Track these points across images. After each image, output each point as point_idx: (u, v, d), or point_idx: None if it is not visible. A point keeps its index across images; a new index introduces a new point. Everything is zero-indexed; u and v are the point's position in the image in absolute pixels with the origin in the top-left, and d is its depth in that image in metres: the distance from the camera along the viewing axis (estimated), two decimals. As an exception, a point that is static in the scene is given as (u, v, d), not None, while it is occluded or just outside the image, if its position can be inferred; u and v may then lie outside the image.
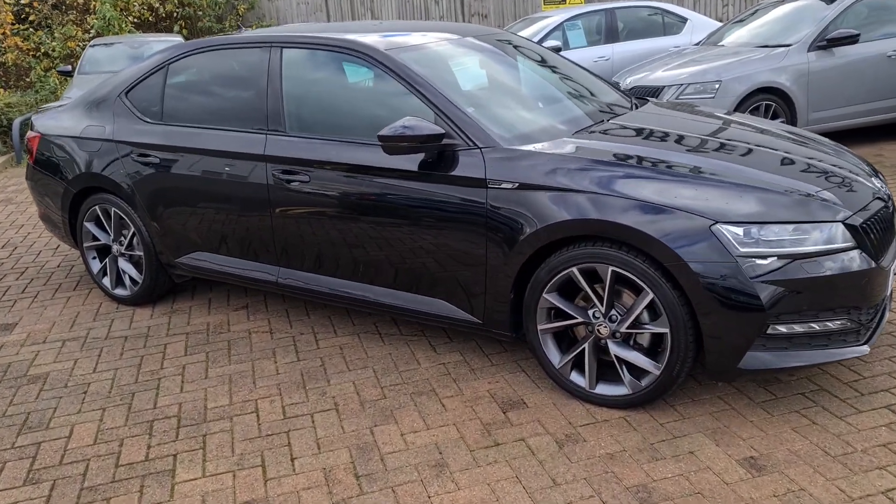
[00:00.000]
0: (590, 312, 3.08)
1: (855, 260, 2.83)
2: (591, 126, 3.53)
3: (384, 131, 3.14)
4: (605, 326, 3.04)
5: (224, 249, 4.07)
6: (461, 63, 3.77)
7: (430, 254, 3.34)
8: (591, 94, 4.09)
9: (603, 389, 3.11)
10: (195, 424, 3.20)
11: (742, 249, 2.73)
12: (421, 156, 3.28)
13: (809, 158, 3.27)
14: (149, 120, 4.21)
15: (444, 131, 3.16)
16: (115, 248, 4.55)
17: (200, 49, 4.11)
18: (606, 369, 3.14)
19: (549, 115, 3.63)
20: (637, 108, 4.07)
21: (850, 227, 2.84)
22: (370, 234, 3.49)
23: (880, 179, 3.39)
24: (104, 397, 3.47)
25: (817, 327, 2.85)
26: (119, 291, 4.61)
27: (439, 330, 3.95)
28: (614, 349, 3.05)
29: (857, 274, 2.81)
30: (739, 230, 2.75)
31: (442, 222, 3.25)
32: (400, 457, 2.87)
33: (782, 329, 2.81)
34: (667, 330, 2.88)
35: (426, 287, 3.44)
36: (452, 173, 3.20)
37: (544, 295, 3.11)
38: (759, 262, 2.73)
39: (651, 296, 2.87)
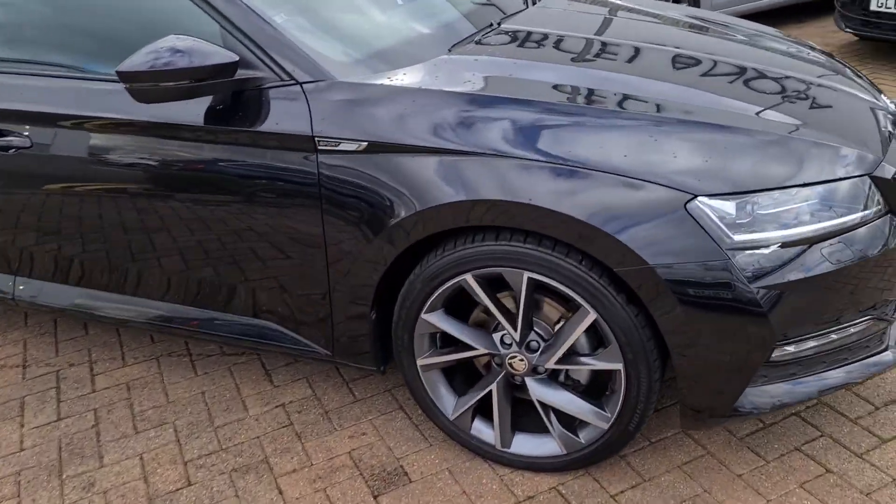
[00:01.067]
0: (496, 338, 1.98)
1: (888, 230, 1.84)
2: (476, 35, 2.31)
3: (127, 63, 1.81)
4: (521, 359, 1.94)
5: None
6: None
7: (243, 255, 2.10)
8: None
9: (522, 447, 2.05)
10: None
11: (737, 237, 1.66)
12: (208, 101, 1.98)
13: (776, 68, 2.20)
14: None
15: (237, 57, 1.87)
16: None
17: None
18: (527, 415, 2.08)
19: (410, 21, 2.36)
20: (535, 1, 2.87)
21: (877, 182, 1.82)
22: (140, 227, 2.19)
23: (879, 92, 2.38)
24: None
25: (835, 337, 1.86)
26: None
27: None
28: (536, 391, 1.96)
29: (892, 251, 1.83)
30: (731, 205, 1.67)
31: (255, 208, 2.00)
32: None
33: (790, 349, 1.81)
34: (619, 366, 1.82)
35: (241, 304, 2.22)
36: (259, 128, 1.93)
37: (423, 316, 1.96)
38: (760, 253, 1.68)
39: (593, 316, 1.78)
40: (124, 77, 1.81)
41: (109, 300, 2.40)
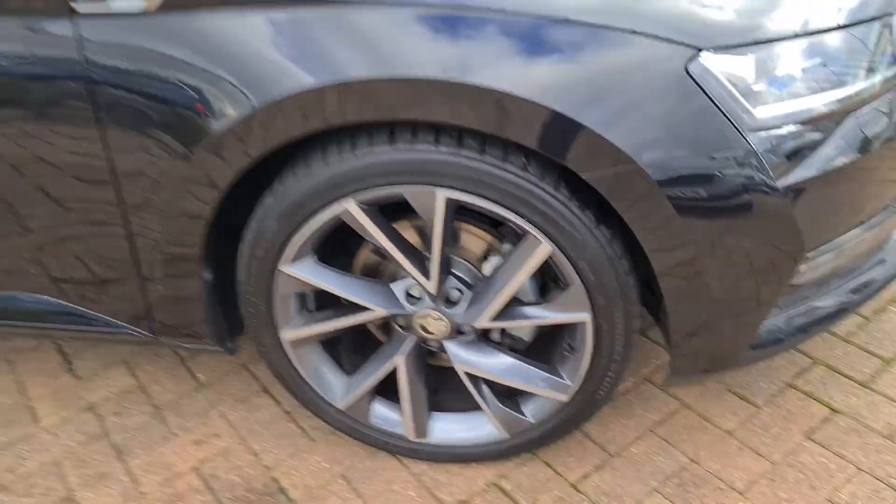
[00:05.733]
0: (397, 291, 1.33)
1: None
2: None
3: None
4: (438, 317, 1.31)
5: None
6: None
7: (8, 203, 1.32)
8: None
9: (445, 433, 1.46)
10: None
11: (759, 113, 1.09)
12: None
13: None
14: None
15: None
16: None
17: None
18: (448, 388, 1.48)
19: None
20: None
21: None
22: None
23: None
24: None
25: (867, 236, 1.38)
26: None
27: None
28: (462, 359, 1.35)
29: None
30: (750, 64, 1.08)
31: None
32: None
33: (814, 262, 1.29)
34: (586, 316, 1.23)
35: (29, 283, 1.44)
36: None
37: (283, 268, 1.28)
38: (783, 132, 1.11)
39: (548, 247, 1.17)
40: None
41: None
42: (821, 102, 1.12)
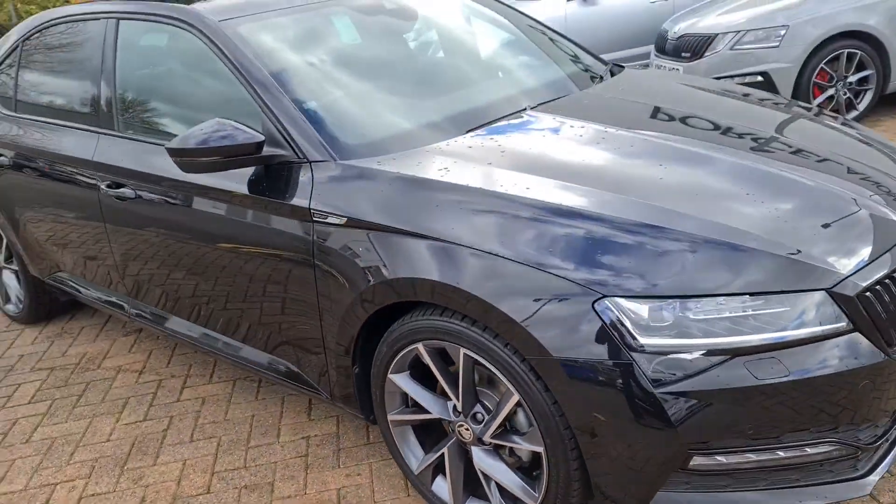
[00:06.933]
0: (448, 406, 2.13)
1: (846, 351, 1.73)
2: (495, 121, 2.47)
3: (174, 141, 2.24)
4: (467, 428, 2.07)
5: (80, 271, 3.33)
6: (335, 33, 2.78)
7: (271, 303, 2.45)
8: (538, 68, 3.00)
9: (474, 512, 2.17)
10: (-35, 522, 2.51)
11: (643, 340, 1.69)
12: (250, 172, 2.36)
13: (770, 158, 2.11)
14: (4, 111, 3.49)
15: (262, 138, 2.23)
16: (-2, 259, 3.94)
17: (51, 23, 3.31)
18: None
19: (433, 108, 2.58)
20: (614, 74, 2.97)
21: (839, 298, 1.73)
22: (204, 272, 2.63)
23: None
24: None
25: (783, 454, 1.78)
26: (10, 308, 3.99)
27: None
28: (478, 460, 2.08)
29: (846, 375, 1.72)
30: (643, 308, 1.70)
31: (276, 265, 2.34)
32: None
33: (720, 459, 1.76)
34: (541, 449, 1.89)
35: (270, 343, 2.56)
36: (275, 198, 2.27)
37: (390, 376, 2.17)
38: (675, 358, 1.68)
39: (517, 397, 1.88)
40: (172, 153, 2.24)
41: (192, 331, 2.86)
42: (703, 343, 1.66)
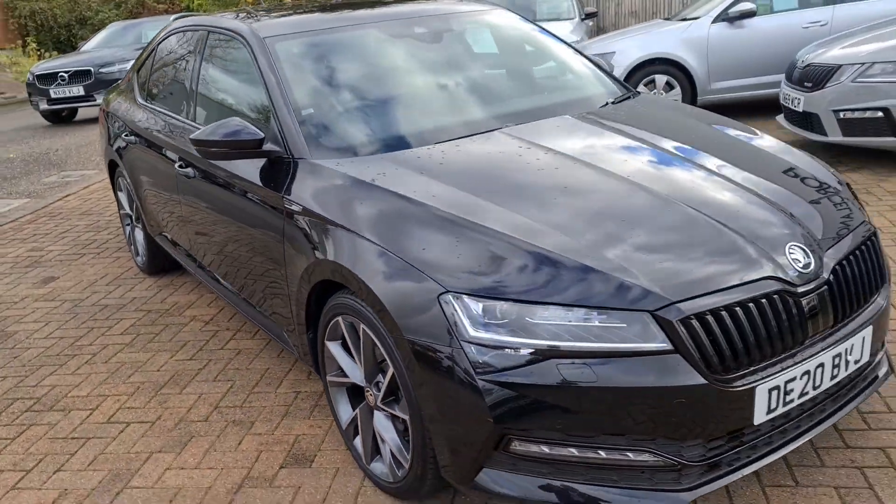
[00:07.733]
0: (363, 373, 2.50)
1: (662, 370, 1.90)
2: (466, 137, 2.78)
3: (197, 133, 2.81)
4: (371, 393, 2.43)
5: (169, 233, 4.07)
6: (356, 52, 3.22)
7: (265, 270, 2.96)
8: (537, 91, 3.25)
9: (376, 467, 2.52)
10: (38, 411, 3.26)
11: (474, 333, 1.97)
12: (261, 163, 2.88)
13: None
14: (139, 99, 4.33)
15: (261, 135, 2.73)
16: (128, 217, 4.86)
17: (176, 30, 4.08)
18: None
19: (414, 121, 2.93)
20: (634, 97, 3.17)
21: (662, 321, 1.90)
22: (227, 242, 3.21)
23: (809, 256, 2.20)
24: (20, 363, 3.70)
25: (604, 455, 1.97)
26: (138, 259, 4.88)
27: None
28: (377, 422, 2.43)
29: (658, 391, 1.89)
30: (479, 306, 1.98)
31: (266, 241, 2.85)
32: (138, 495, 2.62)
33: (543, 449, 1.99)
34: (407, 416, 2.22)
35: (265, 305, 3.07)
36: (269, 187, 2.76)
37: (326, 342, 2.58)
38: (499, 353, 1.95)
39: (391, 370, 2.22)
40: (193, 143, 2.81)
41: (223, 291, 3.47)
42: (523, 342, 1.92)
